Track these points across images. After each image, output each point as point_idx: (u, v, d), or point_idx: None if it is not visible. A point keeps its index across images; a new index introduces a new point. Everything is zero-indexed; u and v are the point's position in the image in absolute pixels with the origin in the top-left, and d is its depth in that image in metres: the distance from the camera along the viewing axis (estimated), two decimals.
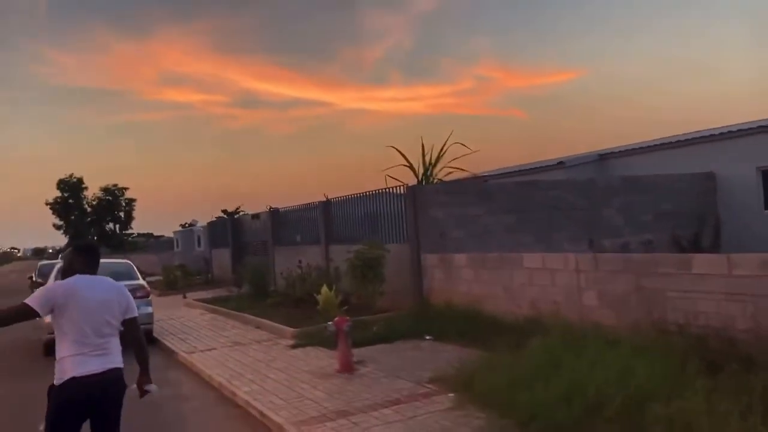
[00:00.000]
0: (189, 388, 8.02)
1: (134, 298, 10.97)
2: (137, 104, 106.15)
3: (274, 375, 7.78)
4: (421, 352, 8.39)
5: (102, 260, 13.10)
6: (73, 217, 50.22)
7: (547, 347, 6.08)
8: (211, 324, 13.17)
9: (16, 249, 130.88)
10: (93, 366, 3.57)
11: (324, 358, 8.46)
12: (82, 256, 3.86)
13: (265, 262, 18.15)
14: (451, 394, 6.04)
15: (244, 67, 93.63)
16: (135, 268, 11.97)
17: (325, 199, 15.30)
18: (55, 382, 3.59)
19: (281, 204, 19.10)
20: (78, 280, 3.70)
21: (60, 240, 53.12)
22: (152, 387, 4.04)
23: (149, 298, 11.37)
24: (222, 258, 23.68)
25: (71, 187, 49.93)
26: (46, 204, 49.90)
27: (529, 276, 8.73)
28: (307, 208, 16.77)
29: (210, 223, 27.67)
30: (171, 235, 47.14)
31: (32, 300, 3.53)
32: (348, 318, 7.82)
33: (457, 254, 10.36)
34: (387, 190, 12.65)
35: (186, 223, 50.17)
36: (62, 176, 50.11)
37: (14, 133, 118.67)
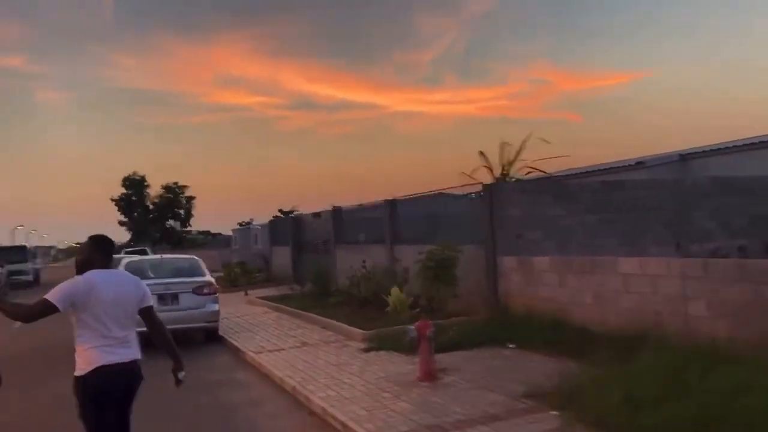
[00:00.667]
0: (259, 392, 7.64)
1: (201, 295, 10.79)
2: (196, 106, 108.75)
3: (350, 380, 7.31)
4: (506, 361, 7.78)
5: (168, 256, 12.91)
6: (136, 214, 51.43)
7: (666, 363, 5.38)
8: (275, 323, 12.86)
9: (80, 244, 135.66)
10: (118, 356, 3.65)
11: (401, 364, 7.95)
12: (99, 251, 3.88)
13: (326, 260, 17.82)
14: (555, 412, 5.42)
15: (298, 69, 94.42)
16: (202, 264, 11.73)
17: (390, 198, 14.82)
18: (78, 373, 3.64)
19: (335, 204, 18.76)
20: (96, 275, 3.73)
21: (124, 236, 54.49)
22: (182, 374, 4.06)
23: (216, 295, 11.10)
24: (282, 256, 23.53)
25: (135, 184, 51.10)
26: (112, 200, 51.22)
27: (625, 282, 8.00)
28: (372, 207, 16.36)
29: (271, 222, 27.64)
30: (228, 232, 47.74)
31: (52, 296, 3.57)
32: (430, 323, 7.29)
33: (538, 257, 9.69)
34: (456, 189, 12.11)
35: (243, 222, 50.66)
36: (127, 174, 51.41)
37: (81, 133, 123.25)
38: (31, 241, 64.26)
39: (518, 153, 11.25)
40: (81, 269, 3.81)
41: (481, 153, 11.61)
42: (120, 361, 3.66)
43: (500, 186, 11.00)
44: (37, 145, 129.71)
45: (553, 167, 15.35)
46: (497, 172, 11.39)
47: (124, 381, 3.72)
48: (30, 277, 32.58)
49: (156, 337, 3.99)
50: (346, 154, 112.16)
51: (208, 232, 60.93)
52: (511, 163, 11.28)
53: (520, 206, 10.70)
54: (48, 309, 3.56)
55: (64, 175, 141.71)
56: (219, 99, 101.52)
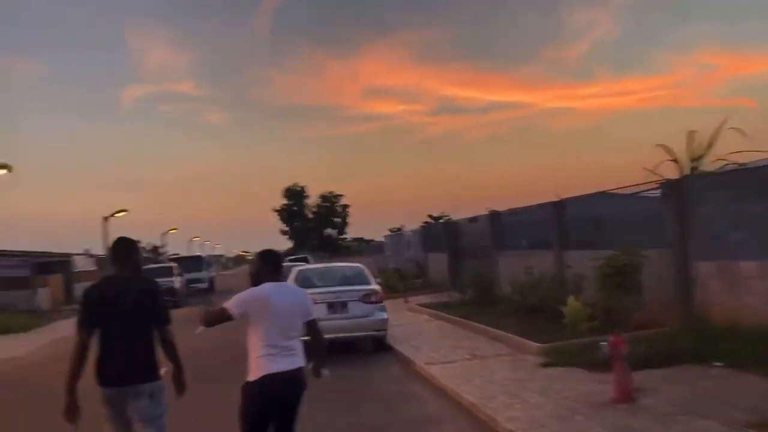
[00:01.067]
0: (436, 407, 7.31)
1: (368, 303, 10.70)
2: (346, 118, 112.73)
3: (533, 399, 6.76)
4: (713, 382, 6.79)
5: (333, 264, 13.04)
6: (296, 223, 54.22)
7: None
8: (440, 332, 12.58)
9: (246, 252, 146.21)
10: (282, 365, 3.86)
11: (587, 382, 7.25)
12: (267, 265, 4.15)
13: (486, 267, 17.27)
14: None
15: (444, 74, 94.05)
16: (368, 271, 11.71)
17: (556, 200, 13.96)
18: (249, 379, 3.90)
19: (490, 207, 18.12)
20: (268, 287, 4.00)
21: (286, 244, 57.71)
22: (325, 372, 4.26)
23: (383, 303, 11.01)
24: (437, 262, 23.33)
25: (295, 195, 53.94)
26: (274, 211, 54.46)
27: None
28: (534, 209, 15.58)
29: (424, 227, 27.65)
30: (380, 239, 48.72)
31: (229, 304, 3.94)
32: (624, 338, 6.54)
33: (743, 261, 8.46)
34: (626, 188, 11.07)
35: (394, 228, 51.49)
36: (288, 185, 54.40)
37: (244, 149, 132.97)
38: (205, 251, 70.07)
39: (710, 144, 9.98)
40: (254, 281, 4.13)
41: (663, 146, 10.47)
42: (285, 369, 3.88)
43: (690, 181, 9.80)
44: (205, 162, 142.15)
45: (742, 158, 13.66)
46: (684, 165, 10.16)
47: (289, 389, 3.93)
48: (205, 285, 35.35)
49: (315, 346, 4.24)
50: (495, 157, 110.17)
51: (362, 239, 62.72)
52: (701, 156, 10.02)
53: (715, 203, 9.47)
54: (224, 317, 3.95)
55: (230, 189, 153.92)
56: (368, 109, 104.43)
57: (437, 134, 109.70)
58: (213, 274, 42.05)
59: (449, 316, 14.05)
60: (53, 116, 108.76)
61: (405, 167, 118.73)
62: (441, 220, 41.28)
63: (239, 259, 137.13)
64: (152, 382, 4.06)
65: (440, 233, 23.19)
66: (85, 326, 4.05)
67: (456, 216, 23.33)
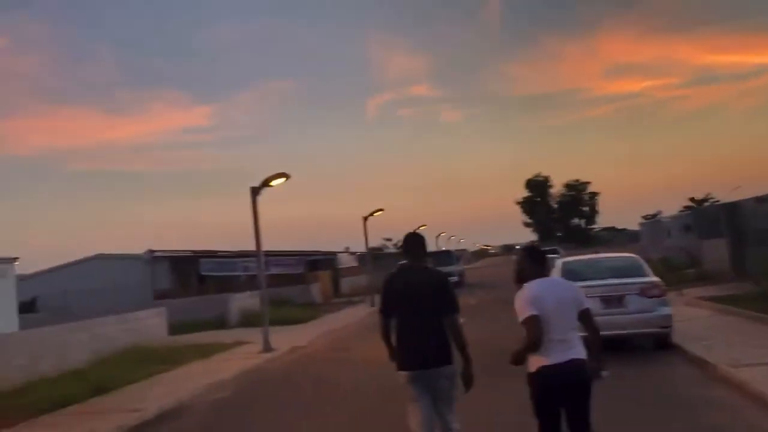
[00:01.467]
0: (757, 418, 6.19)
1: (647, 296, 9.63)
2: (587, 101, 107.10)
3: None
4: None
5: (602, 255, 12.02)
6: (539, 215, 52.78)
7: None
8: (731, 329, 10.94)
9: (488, 246, 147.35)
10: (556, 357, 3.89)
11: None
12: (528, 260, 4.21)
13: None
14: None
15: (697, 42, 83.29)
16: (644, 262, 10.58)
17: None
18: (528, 371, 4.01)
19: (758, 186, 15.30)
20: (537, 284, 4.06)
21: (529, 236, 56.58)
22: (605, 373, 4.10)
23: (665, 297, 9.85)
24: (714, 249, 20.69)
25: (537, 186, 52.51)
26: (517, 203, 53.66)
27: None
28: None
29: (692, 211, 24.81)
30: (632, 227, 45.18)
31: (525, 314, 3.93)
32: None
33: None
34: None
35: (649, 215, 47.33)
36: (530, 176, 53.16)
37: (483, 144, 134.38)
38: (451, 246, 71.90)
39: None
40: (518, 276, 4.23)
41: None
42: (560, 361, 3.89)
43: None
44: (446, 160, 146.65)
45: None
46: None
47: (566, 379, 3.90)
48: (456, 278, 36.00)
49: (590, 341, 4.09)
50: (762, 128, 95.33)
51: (613, 228, 58.81)
52: None
53: None
54: (536, 324, 3.91)
55: (471, 184, 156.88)
56: (610, 90, 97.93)
57: (692, 109, 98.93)
58: (462, 267, 42.75)
59: (740, 311, 12.21)
60: (312, 129, 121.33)
61: (655, 148, 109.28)
62: (707, 203, 36.77)
63: (481, 253, 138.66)
64: (448, 365, 4.36)
65: (716, 217, 20.50)
66: (383, 314, 4.60)
67: (725, 197, 20.39)
